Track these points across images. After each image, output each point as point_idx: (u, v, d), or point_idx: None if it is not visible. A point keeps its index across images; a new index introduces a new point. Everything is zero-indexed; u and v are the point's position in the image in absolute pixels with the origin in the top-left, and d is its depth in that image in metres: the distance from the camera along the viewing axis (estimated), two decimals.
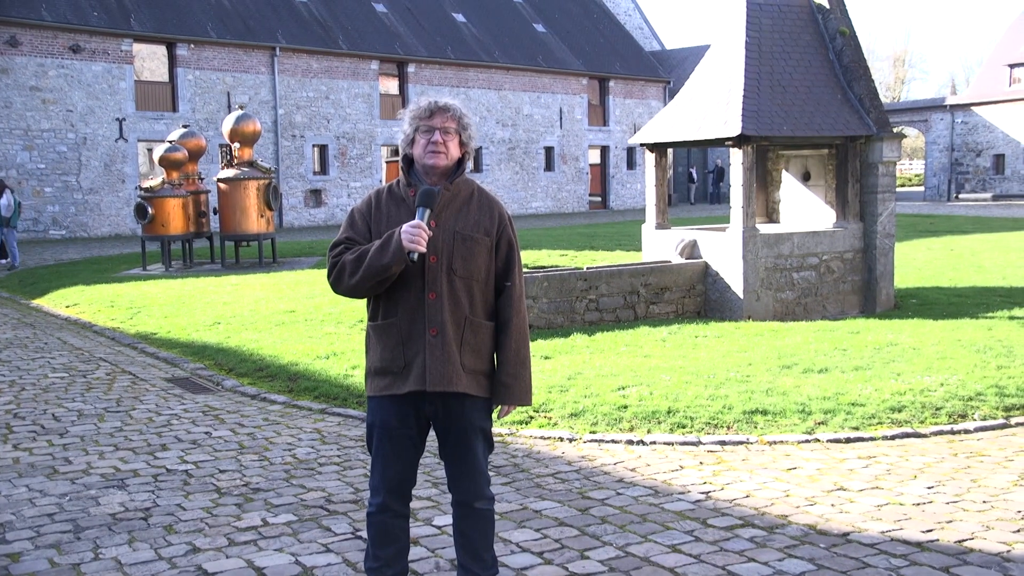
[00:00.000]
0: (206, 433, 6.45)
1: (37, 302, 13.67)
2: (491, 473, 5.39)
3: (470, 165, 3.46)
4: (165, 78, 28.74)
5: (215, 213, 18.23)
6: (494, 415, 3.49)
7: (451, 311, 3.28)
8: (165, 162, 17.43)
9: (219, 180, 17.70)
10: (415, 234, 3.13)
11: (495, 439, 6.06)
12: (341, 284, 3.30)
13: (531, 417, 6.54)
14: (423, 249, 3.16)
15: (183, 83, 28.72)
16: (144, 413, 7.01)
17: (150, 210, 16.87)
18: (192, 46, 28.76)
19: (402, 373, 3.30)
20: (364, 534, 4.49)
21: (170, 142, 17.87)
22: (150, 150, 26.17)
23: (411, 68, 34.11)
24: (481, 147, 36.55)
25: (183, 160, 17.61)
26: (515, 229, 3.46)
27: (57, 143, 26.51)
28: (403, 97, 34.14)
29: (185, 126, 19.40)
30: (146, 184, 17.66)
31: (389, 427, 3.36)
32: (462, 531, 3.48)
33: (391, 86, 34.06)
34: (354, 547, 4.34)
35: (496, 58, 36.54)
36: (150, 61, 28.66)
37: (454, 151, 3.31)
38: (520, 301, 3.41)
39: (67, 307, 12.84)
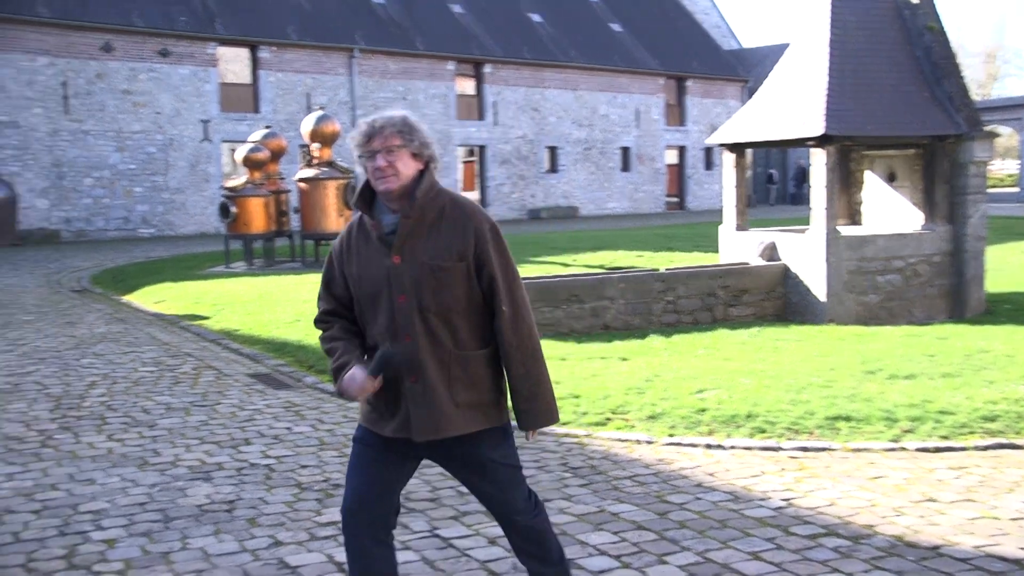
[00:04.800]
0: (287, 428, 6.57)
1: (127, 298, 14.12)
2: (568, 474, 5.38)
3: (440, 176, 3.10)
4: (248, 80, 29.43)
5: (296, 212, 18.59)
6: (526, 438, 3.26)
7: (431, 351, 2.98)
8: (248, 162, 17.84)
9: (299, 180, 18.04)
10: (354, 394, 3.00)
11: (571, 440, 6.05)
12: None
13: (608, 419, 6.50)
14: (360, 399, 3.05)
15: (265, 85, 29.36)
16: (228, 408, 7.18)
17: (233, 209, 17.27)
18: (274, 48, 29.39)
19: (385, 415, 3.07)
20: (442, 532, 4.52)
21: (253, 143, 18.28)
22: (233, 150, 26.81)
23: (487, 69, 34.27)
24: (557, 147, 36.54)
25: (265, 160, 18.00)
26: (501, 242, 3.07)
27: (146, 144, 27.38)
28: (480, 98, 34.34)
29: (267, 127, 19.83)
30: (229, 184, 18.11)
31: (363, 443, 3.15)
32: (512, 541, 3.31)
33: (468, 87, 34.27)
34: (431, 545, 4.37)
35: (572, 58, 36.47)
36: (234, 64, 29.37)
37: (406, 169, 2.97)
38: (517, 321, 3.06)
39: (155, 303, 13.23)
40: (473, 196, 34.61)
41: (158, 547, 4.38)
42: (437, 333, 2.98)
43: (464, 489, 5.14)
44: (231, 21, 28.75)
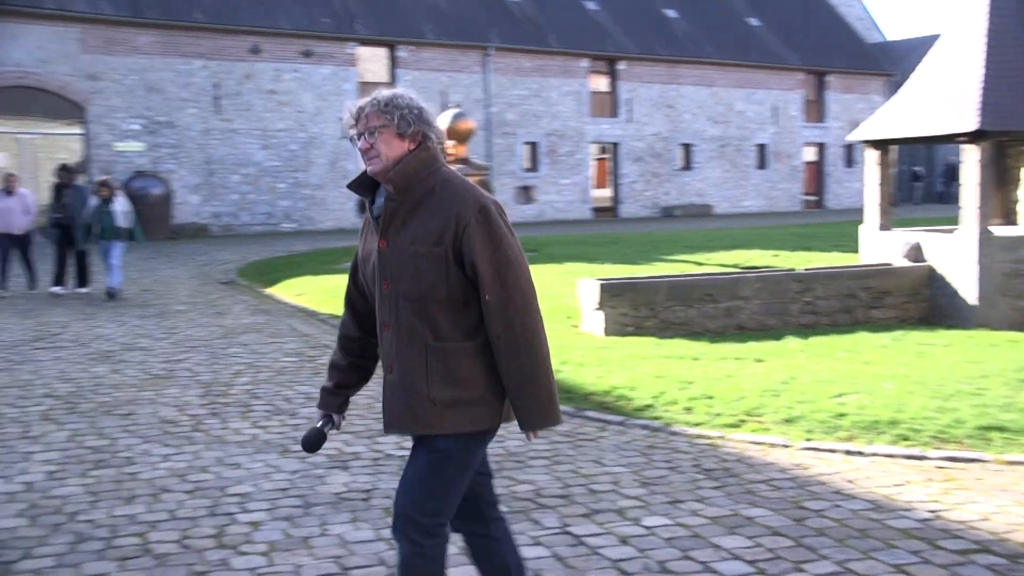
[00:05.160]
0: None
1: (270, 290, 14.72)
2: (700, 476, 5.29)
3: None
4: (385, 79, 30.18)
5: None
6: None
7: (408, 343, 2.81)
8: None
9: None
10: None
11: (704, 442, 5.94)
12: None
13: (742, 421, 6.37)
14: None
15: (402, 83, 30.03)
16: (365, 399, 7.36)
17: None
18: (412, 48, 30.07)
19: None
20: (574, 529, 4.52)
21: None
22: None
23: (621, 65, 34.06)
24: (691, 144, 35.99)
25: None
26: (493, 224, 2.78)
27: (289, 142, 28.49)
28: (614, 95, 34.17)
29: None
30: None
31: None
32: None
33: (601, 83, 34.16)
34: (563, 542, 4.38)
35: (708, 54, 35.83)
36: (372, 63, 30.19)
37: (389, 150, 2.81)
38: (507, 310, 2.77)
39: (296, 295, 13.74)
40: (605, 193, 34.50)
41: (299, 531, 4.55)
42: (414, 323, 2.79)
43: (595, 487, 5.14)
44: (370, 21, 29.58)
